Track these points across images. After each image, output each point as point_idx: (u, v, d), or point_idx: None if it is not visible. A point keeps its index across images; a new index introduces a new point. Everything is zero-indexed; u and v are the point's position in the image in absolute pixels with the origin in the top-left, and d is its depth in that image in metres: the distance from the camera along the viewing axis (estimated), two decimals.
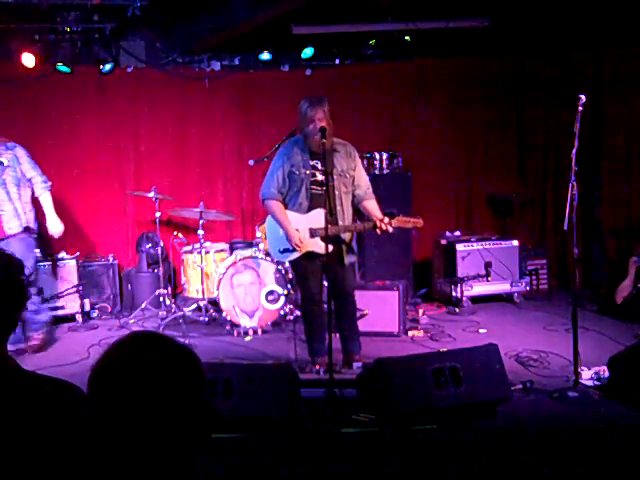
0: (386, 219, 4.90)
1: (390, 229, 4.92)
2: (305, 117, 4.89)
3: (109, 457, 1.36)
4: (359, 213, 5.35)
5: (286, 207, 5.09)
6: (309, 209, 5.02)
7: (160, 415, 1.34)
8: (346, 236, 5.10)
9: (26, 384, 1.68)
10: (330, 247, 4.89)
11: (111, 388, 1.36)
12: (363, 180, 5.17)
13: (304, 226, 5.01)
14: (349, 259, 5.15)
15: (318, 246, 4.95)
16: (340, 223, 5.01)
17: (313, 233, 4.98)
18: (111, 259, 7.48)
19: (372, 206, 5.11)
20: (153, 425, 1.34)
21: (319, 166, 4.93)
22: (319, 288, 5.22)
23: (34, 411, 1.61)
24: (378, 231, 4.92)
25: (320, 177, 4.93)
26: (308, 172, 5.00)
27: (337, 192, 5.01)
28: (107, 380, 1.38)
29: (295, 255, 5.09)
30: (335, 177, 4.99)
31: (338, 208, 5.01)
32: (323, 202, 4.69)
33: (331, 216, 4.75)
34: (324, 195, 4.72)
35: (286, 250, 5.10)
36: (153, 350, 1.41)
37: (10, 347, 1.80)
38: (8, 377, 1.68)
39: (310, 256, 5.04)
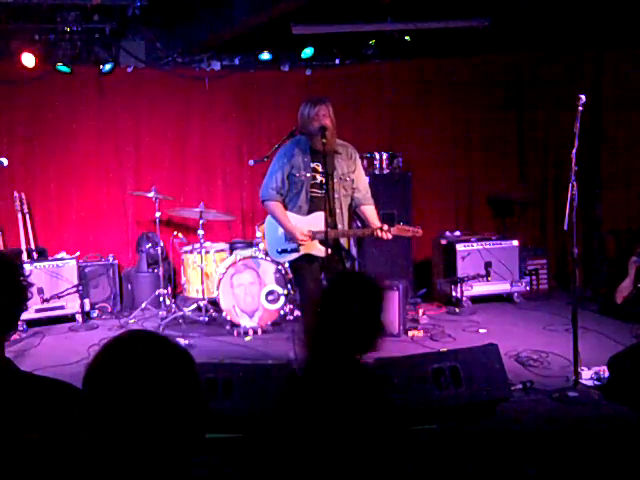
0: (385, 227, 4.87)
1: (389, 236, 4.89)
2: (308, 116, 4.85)
3: (104, 456, 1.36)
4: (356, 216, 5.33)
5: (286, 209, 5.09)
6: (309, 212, 5.00)
7: (154, 414, 1.34)
8: (344, 241, 5.07)
9: (23, 386, 1.68)
10: (329, 250, 4.90)
11: (105, 387, 1.36)
12: (362, 183, 5.13)
13: (304, 228, 5.01)
14: (347, 263, 5.16)
15: (317, 249, 4.95)
16: (339, 226, 4.98)
17: (313, 235, 4.97)
18: (111, 259, 7.48)
19: (370, 212, 5.08)
20: (147, 424, 1.34)
21: (320, 168, 4.91)
22: (318, 289, 5.21)
23: (31, 413, 1.61)
24: (376, 234, 4.90)
25: (320, 179, 4.93)
26: (309, 175, 4.98)
27: (337, 195, 4.98)
28: (101, 379, 1.37)
29: (294, 256, 5.08)
30: (335, 180, 4.96)
31: (337, 211, 4.98)
32: (323, 205, 4.69)
33: (331, 218, 4.74)
34: (324, 198, 4.70)
35: (284, 251, 5.10)
36: (146, 349, 1.40)
37: None
38: (5, 379, 1.68)
39: (309, 258, 5.04)
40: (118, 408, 1.34)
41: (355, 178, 5.07)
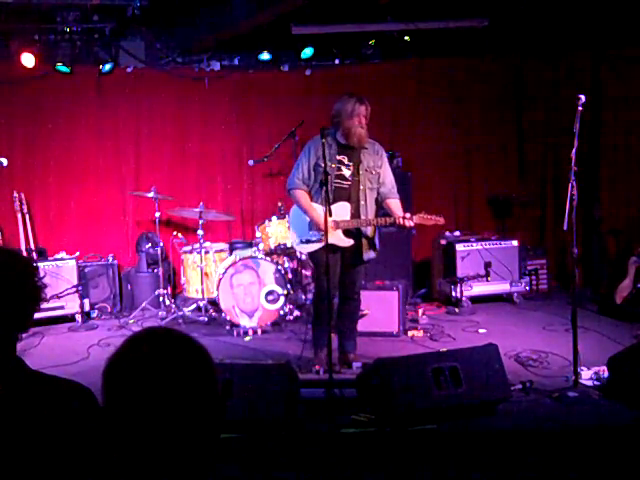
0: (407, 214, 4.97)
1: (411, 224, 4.97)
2: (351, 112, 4.96)
3: (122, 454, 1.35)
4: (382, 211, 5.36)
5: (311, 200, 5.13)
6: (334, 202, 5.04)
7: (175, 412, 1.34)
8: (368, 230, 5.14)
9: (35, 384, 1.68)
10: (351, 241, 4.99)
11: (126, 384, 1.35)
12: (389, 178, 5.23)
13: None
14: (369, 255, 5.19)
15: (340, 239, 5.02)
16: (362, 217, 5.06)
17: (336, 225, 5.00)
18: (111, 259, 7.48)
19: (395, 204, 5.16)
20: (167, 422, 1.33)
21: (345, 161, 5.03)
22: (334, 283, 5.20)
23: (44, 411, 1.61)
24: (398, 222, 4.95)
25: (345, 172, 5.02)
26: (334, 166, 5.06)
27: (362, 187, 5.08)
28: (122, 375, 1.36)
29: (317, 246, 5.09)
30: (361, 172, 5.07)
31: (362, 202, 5.07)
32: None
33: (330, 216, 4.74)
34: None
35: (308, 240, 5.13)
36: (170, 346, 1.39)
37: None
38: (18, 377, 1.69)
39: (332, 249, 5.04)
40: (137, 405, 1.32)
41: (382, 173, 5.17)
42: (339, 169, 5.05)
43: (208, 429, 1.38)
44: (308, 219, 5.11)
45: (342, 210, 4.97)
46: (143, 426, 1.32)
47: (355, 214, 5.05)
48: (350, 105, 4.99)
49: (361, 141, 5.02)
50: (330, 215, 4.72)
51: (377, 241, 5.25)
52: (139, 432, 1.33)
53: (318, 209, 5.06)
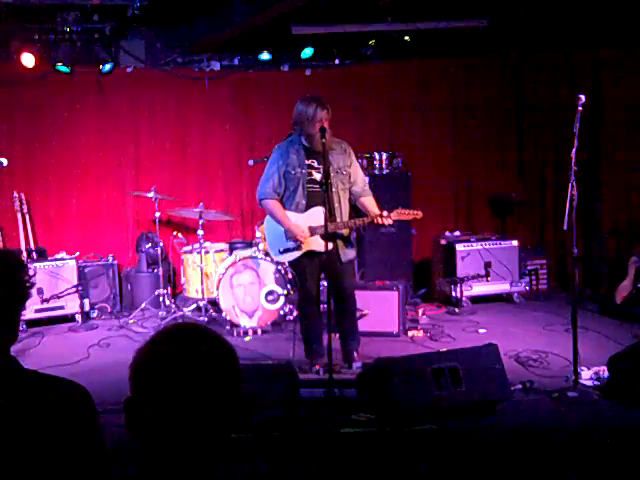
0: (385, 212, 4.92)
1: (390, 221, 4.93)
2: (313, 117, 4.86)
3: (146, 445, 1.35)
4: (357, 210, 5.35)
5: (284, 207, 5.09)
6: (307, 207, 5.03)
7: (204, 408, 1.34)
8: (344, 231, 5.11)
9: (30, 383, 1.68)
10: (330, 245, 4.90)
11: (155, 380, 1.34)
12: (359, 177, 5.19)
13: (303, 225, 5.02)
14: (348, 255, 5.15)
15: (318, 244, 4.96)
16: (338, 220, 5.01)
17: (313, 231, 4.98)
18: (111, 259, 7.48)
19: (370, 202, 5.13)
20: (195, 417, 1.33)
21: (315, 164, 4.96)
22: (318, 288, 5.21)
23: (39, 410, 1.61)
24: (376, 221, 4.91)
25: (316, 175, 4.96)
26: (304, 171, 5.01)
27: (334, 189, 5.02)
28: (151, 372, 1.35)
29: (296, 254, 5.08)
30: (332, 174, 4.98)
31: (336, 205, 5.02)
32: (321, 200, 4.67)
33: (330, 215, 4.75)
34: (322, 193, 4.68)
35: (286, 250, 5.10)
36: (199, 343, 1.39)
37: None
38: (12, 376, 1.68)
39: (310, 255, 5.04)
40: (168, 402, 1.32)
41: (352, 172, 5.13)
42: (310, 173, 4.99)
43: (226, 428, 1.39)
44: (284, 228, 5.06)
45: (318, 215, 4.87)
46: (170, 419, 1.32)
47: (331, 218, 4.90)
48: (311, 110, 4.85)
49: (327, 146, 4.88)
50: (330, 215, 4.73)
51: (353, 240, 5.25)
52: (166, 425, 1.33)
53: (293, 217, 5.03)
